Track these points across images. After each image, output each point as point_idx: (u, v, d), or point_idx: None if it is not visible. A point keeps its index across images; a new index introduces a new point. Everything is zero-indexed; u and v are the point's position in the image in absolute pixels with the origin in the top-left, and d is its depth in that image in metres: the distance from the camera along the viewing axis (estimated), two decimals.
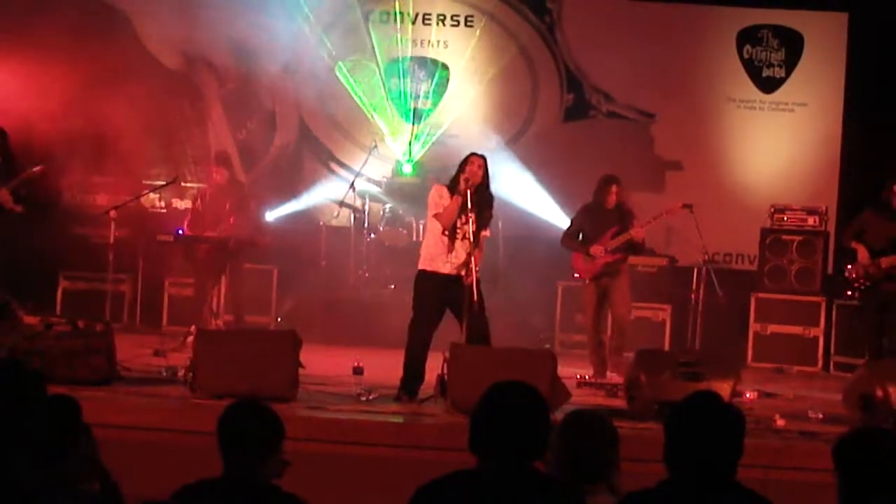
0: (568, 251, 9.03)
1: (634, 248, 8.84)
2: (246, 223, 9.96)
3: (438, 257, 7.51)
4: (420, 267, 7.62)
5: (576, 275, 8.96)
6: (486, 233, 7.72)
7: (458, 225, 7.44)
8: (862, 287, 7.69)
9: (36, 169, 9.08)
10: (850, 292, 7.77)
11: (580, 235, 8.85)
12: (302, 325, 9.47)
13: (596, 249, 8.64)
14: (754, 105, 12.01)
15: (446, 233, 7.45)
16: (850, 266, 7.78)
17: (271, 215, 11.31)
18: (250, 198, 10.24)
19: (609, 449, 3.62)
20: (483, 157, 7.65)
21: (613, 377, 8.45)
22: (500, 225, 10.30)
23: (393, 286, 10.98)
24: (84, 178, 11.45)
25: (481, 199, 7.53)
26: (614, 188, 8.75)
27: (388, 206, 11.35)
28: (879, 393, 7.03)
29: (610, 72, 11.99)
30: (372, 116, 12.05)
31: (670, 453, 3.20)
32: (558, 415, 3.84)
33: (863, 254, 7.70)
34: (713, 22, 12.08)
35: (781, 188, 11.59)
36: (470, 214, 7.39)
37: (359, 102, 12.01)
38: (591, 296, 8.79)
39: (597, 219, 8.78)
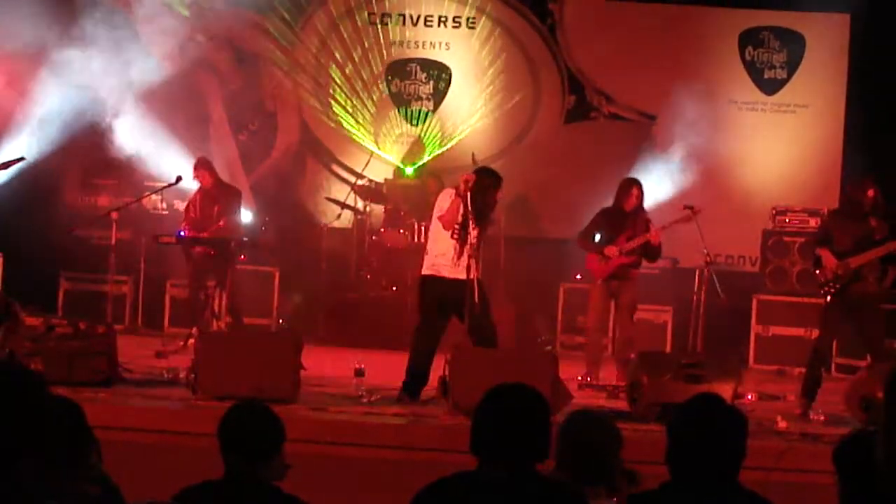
0: (571, 252, 8.99)
1: (650, 253, 8.79)
2: (237, 225, 9.95)
3: (443, 261, 7.48)
4: (424, 272, 7.59)
5: (577, 276, 8.90)
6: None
7: (461, 227, 7.43)
8: (833, 290, 7.68)
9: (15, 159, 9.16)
10: (827, 298, 7.76)
11: (595, 237, 8.81)
12: (303, 326, 9.49)
13: (611, 250, 8.62)
14: (756, 107, 12.01)
15: (455, 236, 7.41)
16: (818, 271, 7.78)
17: (271, 216, 11.32)
18: (240, 199, 10.17)
19: (612, 450, 3.62)
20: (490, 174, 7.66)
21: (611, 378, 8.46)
22: (502, 227, 10.28)
23: (394, 288, 10.98)
24: (86, 180, 11.46)
25: (482, 204, 7.51)
26: (635, 190, 8.75)
27: (389, 207, 11.33)
28: (881, 395, 7.02)
29: (611, 73, 12.01)
30: (372, 119, 12.08)
31: (672, 455, 3.20)
32: (559, 417, 3.83)
33: (828, 258, 7.69)
34: (715, 23, 12.07)
35: (783, 190, 11.57)
36: (470, 216, 7.38)
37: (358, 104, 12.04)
38: (598, 296, 8.76)
39: (614, 222, 8.76)
